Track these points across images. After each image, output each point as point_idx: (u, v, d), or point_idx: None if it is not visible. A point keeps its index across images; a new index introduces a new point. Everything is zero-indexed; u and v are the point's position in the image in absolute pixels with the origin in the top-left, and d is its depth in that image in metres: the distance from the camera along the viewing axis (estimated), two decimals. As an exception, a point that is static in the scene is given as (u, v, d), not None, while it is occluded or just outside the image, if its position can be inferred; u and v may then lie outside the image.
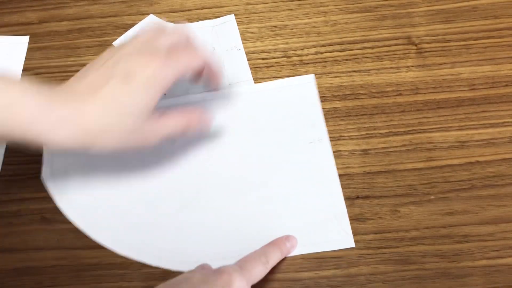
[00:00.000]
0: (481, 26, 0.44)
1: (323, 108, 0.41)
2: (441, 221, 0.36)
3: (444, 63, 0.42)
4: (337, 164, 0.39)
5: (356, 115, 0.41)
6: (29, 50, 0.47)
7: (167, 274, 0.35)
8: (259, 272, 0.32)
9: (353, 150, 0.39)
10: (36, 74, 0.45)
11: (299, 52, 0.44)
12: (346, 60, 0.43)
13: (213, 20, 0.47)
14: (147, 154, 0.39)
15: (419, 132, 0.39)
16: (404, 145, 0.39)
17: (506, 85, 0.41)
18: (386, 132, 0.40)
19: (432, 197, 0.37)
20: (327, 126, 0.40)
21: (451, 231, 0.35)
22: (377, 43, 0.44)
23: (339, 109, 0.41)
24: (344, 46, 0.44)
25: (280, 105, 0.41)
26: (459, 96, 0.41)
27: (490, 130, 0.39)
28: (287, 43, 0.45)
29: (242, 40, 0.45)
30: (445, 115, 0.40)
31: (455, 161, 0.38)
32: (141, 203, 0.38)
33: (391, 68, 0.42)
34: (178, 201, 0.38)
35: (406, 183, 0.37)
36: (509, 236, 0.35)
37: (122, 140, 0.32)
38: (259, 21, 0.46)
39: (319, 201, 0.37)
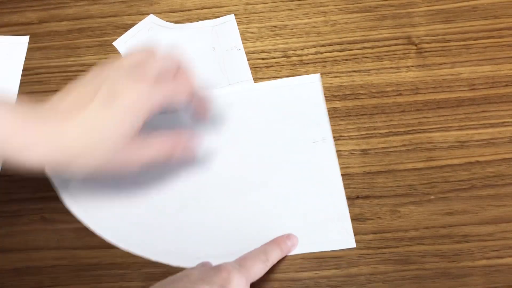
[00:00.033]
0: (481, 26, 0.44)
1: (323, 108, 0.41)
2: (441, 221, 0.36)
3: (444, 63, 0.42)
4: (337, 164, 0.39)
5: (356, 115, 0.41)
6: (29, 50, 0.47)
7: (167, 274, 0.35)
8: (258, 270, 0.32)
9: (353, 150, 0.39)
10: (36, 74, 0.45)
11: (299, 52, 0.44)
12: (346, 60, 0.43)
13: (213, 20, 0.47)
14: None
15: (419, 132, 0.39)
16: (404, 145, 0.39)
17: (506, 85, 0.41)
18: (386, 132, 0.40)
19: (432, 197, 0.37)
20: (327, 126, 0.40)
21: (451, 231, 0.35)
22: (377, 43, 0.44)
23: (339, 109, 0.41)
24: (344, 46, 0.44)
25: (285, 104, 0.41)
26: (459, 96, 0.41)
27: (490, 130, 0.39)
28: (287, 43, 0.45)
29: (242, 40, 0.45)
30: (445, 115, 0.40)
31: (455, 161, 0.38)
32: (143, 202, 0.38)
33: (391, 68, 0.42)
34: (179, 200, 0.38)
35: (406, 183, 0.37)
36: (509, 236, 0.35)
37: (101, 163, 0.31)
38: (259, 21, 0.46)
39: (321, 200, 0.37)
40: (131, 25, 0.47)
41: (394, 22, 0.45)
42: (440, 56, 0.43)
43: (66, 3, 0.49)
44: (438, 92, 0.41)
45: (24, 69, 0.46)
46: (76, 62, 0.46)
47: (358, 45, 0.44)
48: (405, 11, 0.45)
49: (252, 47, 0.45)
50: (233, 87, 0.43)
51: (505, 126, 0.39)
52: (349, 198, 0.37)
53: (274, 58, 0.44)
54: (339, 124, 0.40)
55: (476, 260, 0.34)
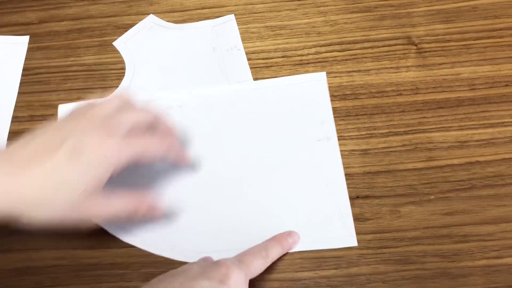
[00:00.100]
0: (481, 26, 0.44)
1: (323, 108, 0.41)
2: (441, 221, 0.36)
3: (444, 63, 0.42)
4: (337, 164, 0.39)
5: (356, 115, 0.41)
6: (29, 50, 0.47)
7: (167, 274, 0.35)
8: (258, 266, 0.32)
9: (353, 150, 0.39)
10: (36, 74, 0.45)
11: (299, 52, 0.44)
12: (346, 60, 0.43)
13: (213, 20, 0.47)
14: None
15: (419, 132, 0.39)
16: (404, 145, 0.39)
17: (506, 85, 0.41)
18: (386, 132, 0.40)
19: (432, 197, 0.37)
20: (327, 126, 0.40)
21: (451, 231, 0.35)
22: (377, 43, 0.44)
23: (339, 109, 0.41)
24: (344, 46, 0.44)
25: (290, 102, 0.41)
26: (459, 96, 0.41)
27: (490, 130, 0.39)
28: (287, 43, 0.45)
29: (242, 40, 0.45)
30: (445, 115, 0.40)
31: (455, 161, 0.38)
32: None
33: (391, 68, 0.42)
34: (182, 196, 0.38)
35: (406, 183, 0.37)
36: (509, 236, 0.35)
37: (56, 216, 0.30)
38: (259, 21, 0.46)
39: (324, 199, 0.37)
40: (131, 25, 0.47)
41: (394, 22, 0.45)
42: (440, 56, 0.43)
43: (66, 3, 0.49)
44: (438, 92, 0.41)
45: (24, 69, 0.46)
46: (76, 62, 0.46)
47: (358, 45, 0.44)
48: (405, 11, 0.45)
49: (252, 47, 0.45)
50: (238, 85, 0.43)
51: (505, 126, 0.39)
52: (349, 198, 0.37)
53: (274, 58, 0.44)
54: (339, 124, 0.40)
55: (476, 260, 0.34)
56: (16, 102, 0.44)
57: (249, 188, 0.38)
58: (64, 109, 0.43)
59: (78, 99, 0.43)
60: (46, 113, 0.43)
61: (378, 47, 0.44)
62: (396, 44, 0.44)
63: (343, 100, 0.41)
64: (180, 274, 0.30)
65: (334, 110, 0.41)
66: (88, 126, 0.31)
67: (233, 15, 0.47)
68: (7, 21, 0.49)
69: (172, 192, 0.38)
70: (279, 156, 0.39)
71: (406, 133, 0.39)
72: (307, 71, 0.43)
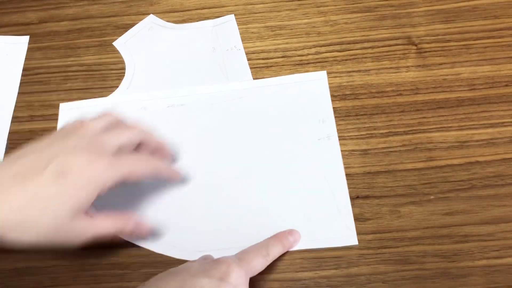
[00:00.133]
0: (481, 26, 0.44)
1: (323, 108, 0.41)
2: (441, 221, 0.36)
3: (444, 63, 0.42)
4: (337, 164, 0.39)
5: (356, 115, 0.41)
6: (29, 50, 0.47)
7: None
8: (258, 264, 0.32)
9: (353, 150, 0.39)
10: (36, 74, 0.45)
11: (299, 52, 0.44)
12: (346, 60, 0.43)
13: (213, 20, 0.47)
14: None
15: (419, 132, 0.39)
16: (404, 145, 0.39)
17: (506, 85, 0.41)
18: (386, 132, 0.40)
19: (432, 197, 0.37)
20: (327, 126, 0.40)
21: (451, 231, 0.35)
22: (377, 43, 0.44)
23: (339, 109, 0.41)
24: (344, 46, 0.44)
25: (290, 100, 0.41)
26: (459, 96, 0.41)
27: (490, 130, 0.39)
28: (287, 43, 0.45)
29: (242, 40, 0.45)
30: (445, 115, 0.40)
31: (455, 161, 0.38)
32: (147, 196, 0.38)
33: (391, 68, 0.42)
34: (183, 194, 0.38)
35: (406, 183, 0.37)
36: (509, 236, 0.35)
37: (41, 237, 0.30)
38: (259, 21, 0.46)
39: (324, 197, 0.37)
40: (131, 25, 0.47)
41: (394, 22, 0.45)
42: (440, 56, 0.43)
43: (66, 3, 0.49)
44: (438, 92, 0.41)
45: (24, 69, 0.46)
46: (76, 62, 0.46)
47: (358, 45, 0.44)
48: (405, 11, 0.45)
49: (252, 47, 0.45)
50: (239, 83, 0.43)
51: (505, 126, 0.39)
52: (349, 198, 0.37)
53: (274, 58, 0.44)
54: (339, 124, 0.40)
55: (476, 260, 0.34)
56: (16, 102, 0.44)
57: (250, 187, 0.38)
58: (65, 107, 0.43)
59: (78, 99, 0.44)
60: (46, 113, 0.43)
61: (378, 47, 0.44)
62: (396, 44, 0.44)
63: (343, 100, 0.41)
64: (180, 272, 0.30)
65: (334, 110, 0.41)
66: (75, 146, 0.31)
67: (233, 15, 0.47)
68: (7, 21, 0.49)
69: (173, 191, 0.38)
70: (280, 155, 0.39)
71: (406, 133, 0.39)
72: (307, 71, 0.43)
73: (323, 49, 0.44)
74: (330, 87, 0.42)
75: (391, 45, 0.44)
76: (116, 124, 0.35)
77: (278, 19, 0.46)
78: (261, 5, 0.47)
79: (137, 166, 0.33)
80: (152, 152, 0.36)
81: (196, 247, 0.36)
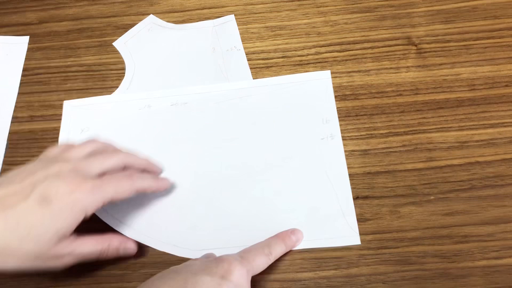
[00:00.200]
0: (481, 26, 0.44)
1: (323, 109, 0.41)
2: (441, 221, 0.36)
3: (444, 63, 0.42)
4: (337, 164, 0.39)
5: (356, 115, 0.41)
6: (29, 50, 0.47)
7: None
8: (260, 262, 0.32)
9: (353, 151, 0.39)
10: (36, 74, 0.45)
11: (299, 53, 0.44)
12: (346, 60, 0.43)
13: (213, 20, 0.47)
14: (159, 148, 0.40)
15: (419, 133, 0.39)
16: (404, 146, 0.39)
17: (506, 85, 0.41)
18: (386, 133, 0.40)
19: (432, 197, 0.37)
20: (327, 126, 0.40)
21: (451, 232, 0.35)
22: (377, 43, 0.44)
23: (339, 109, 0.41)
24: (344, 47, 0.44)
25: (294, 99, 0.42)
26: (459, 97, 0.41)
27: (490, 130, 0.39)
28: (287, 43, 0.45)
29: (242, 40, 0.45)
30: (445, 115, 0.40)
31: (455, 162, 0.38)
32: (151, 194, 0.38)
33: (391, 68, 0.42)
34: (186, 192, 0.38)
35: (406, 183, 0.37)
36: (509, 236, 0.35)
37: (24, 263, 0.30)
38: (259, 21, 0.46)
39: (327, 197, 0.37)
40: (131, 25, 0.47)
41: (394, 22, 0.45)
42: (440, 56, 0.43)
43: (66, 3, 0.49)
44: (438, 92, 0.41)
45: (24, 69, 0.46)
46: (76, 62, 0.46)
47: (358, 46, 0.44)
48: (405, 12, 0.45)
49: (252, 47, 0.45)
50: (243, 82, 0.43)
51: (505, 126, 0.39)
52: (349, 199, 0.37)
53: (274, 58, 0.44)
54: (340, 124, 0.40)
55: (476, 260, 0.34)
56: (16, 102, 0.44)
57: (252, 186, 0.38)
58: (69, 105, 0.43)
59: (78, 99, 0.44)
60: (46, 113, 0.43)
61: (378, 47, 0.44)
62: (396, 45, 0.44)
63: (343, 101, 0.41)
64: (182, 270, 0.30)
65: (334, 110, 0.41)
66: (59, 172, 0.31)
67: (233, 15, 0.47)
68: (7, 21, 0.49)
69: (175, 189, 0.38)
70: (283, 154, 0.39)
71: (406, 133, 0.39)
72: (307, 72, 0.43)
73: (323, 49, 0.44)
74: (330, 88, 0.42)
75: (391, 46, 0.44)
76: (101, 150, 0.35)
77: (278, 20, 0.46)
78: (261, 5, 0.47)
79: (120, 188, 0.33)
80: (134, 173, 0.36)
81: (198, 246, 0.36)
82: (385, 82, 0.42)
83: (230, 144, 0.40)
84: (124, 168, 0.35)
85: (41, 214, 0.30)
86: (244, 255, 0.32)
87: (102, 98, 0.43)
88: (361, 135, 0.40)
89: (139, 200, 0.38)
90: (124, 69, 0.45)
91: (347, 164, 0.38)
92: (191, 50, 0.45)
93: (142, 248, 0.36)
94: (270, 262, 0.33)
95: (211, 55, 0.45)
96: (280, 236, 0.35)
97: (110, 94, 0.44)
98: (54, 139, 0.42)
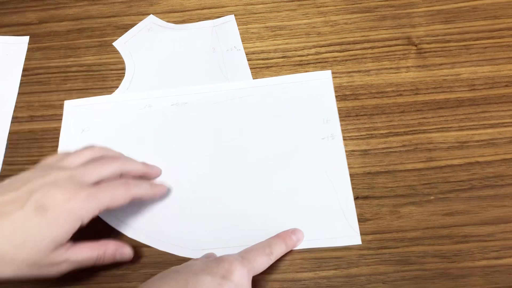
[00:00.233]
0: (481, 26, 0.44)
1: (323, 109, 0.41)
2: (441, 221, 0.36)
3: (444, 64, 0.42)
4: (337, 164, 0.39)
5: (356, 116, 0.41)
6: (29, 50, 0.47)
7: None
8: (261, 262, 0.32)
9: (353, 151, 0.39)
10: (36, 74, 0.45)
11: (299, 53, 0.44)
12: (346, 60, 0.43)
13: (213, 20, 0.47)
14: (159, 148, 0.40)
15: (419, 133, 0.39)
16: (404, 146, 0.39)
17: (506, 85, 0.41)
18: (386, 133, 0.40)
19: (432, 197, 0.37)
20: (327, 126, 0.40)
21: (451, 232, 0.35)
22: (377, 44, 0.44)
23: (339, 109, 0.41)
24: (344, 47, 0.44)
25: (295, 99, 0.42)
26: (459, 97, 0.41)
27: (490, 130, 0.39)
28: (287, 43, 0.45)
29: (242, 40, 0.45)
30: (445, 116, 0.40)
31: (455, 162, 0.38)
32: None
33: (391, 68, 0.42)
34: (186, 192, 0.38)
35: (406, 183, 0.37)
36: (509, 236, 0.35)
37: (21, 270, 0.30)
38: (259, 21, 0.46)
39: (328, 197, 0.37)
40: (131, 26, 0.47)
41: (394, 22, 0.45)
42: (440, 56, 0.43)
43: (66, 3, 0.49)
44: (438, 92, 0.41)
45: (24, 69, 0.46)
46: (76, 62, 0.46)
47: (358, 46, 0.44)
48: (405, 12, 0.45)
49: (252, 47, 0.45)
50: (244, 82, 0.43)
51: (505, 126, 0.39)
52: (349, 199, 0.37)
53: (274, 58, 0.44)
54: (339, 125, 0.40)
55: (476, 260, 0.34)
56: (16, 102, 0.44)
57: (253, 186, 0.38)
58: (70, 105, 0.43)
59: (79, 98, 0.44)
60: (46, 113, 0.43)
61: (378, 47, 0.44)
62: (396, 45, 0.44)
63: (343, 101, 0.41)
64: (183, 270, 0.30)
65: (334, 110, 0.41)
66: (56, 180, 0.32)
67: (233, 15, 0.47)
68: (7, 21, 0.49)
69: (176, 188, 0.38)
70: (283, 154, 0.39)
71: (406, 133, 0.39)
72: (307, 72, 0.43)
73: (323, 49, 0.44)
74: (330, 88, 0.42)
75: (391, 46, 0.44)
76: (98, 157, 0.35)
77: (278, 20, 0.46)
78: (261, 6, 0.47)
79: (116, 196, 0.33)
80: (137, 178, 0.36)
81: (198, 246, 0.36)
82: (385, 82, 0.42)
83: (230, 144, 0.40)
84: (121, 175, 0.35)
85: (37, 222, 0.30)
86: (245, 255, 0.32)
87: (103, 98, 0.43)
88: (361, 135, 0.40)
89: (139, 203, 0.38)
90: (124, 69, 0.45)
91: (348, 164, 0.38)
92: (191, 50, 0.45)
93: (142, 248, 0.36)
94: (271, 262, 0.33)
95: (211, 55, 0.45)
96: (281, 236, 0.35)
97: (110, 94, 0.44)
98: (54, 139, 0.42)
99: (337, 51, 0.44)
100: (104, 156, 0.36)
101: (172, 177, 0.39)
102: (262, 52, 0.45)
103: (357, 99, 0.41)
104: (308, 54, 0.44)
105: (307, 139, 0.40)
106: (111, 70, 0.45)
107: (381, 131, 0.40)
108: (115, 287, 0.35)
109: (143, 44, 0.46)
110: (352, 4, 0.46)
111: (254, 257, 0.32)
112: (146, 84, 0.44)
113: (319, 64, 0.43)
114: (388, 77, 0.42)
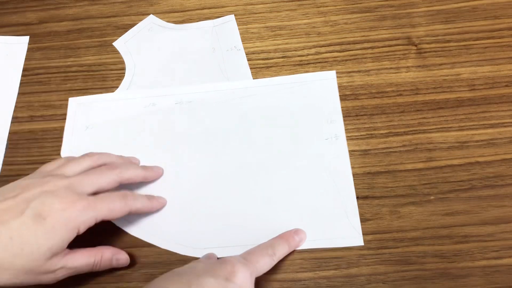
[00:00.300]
0: (481, 26, 0.44)
1: (323, 109, 0.41)
2: (441, 221, 0.36)
3: (444, 64, 0.42)
4: (337, 164, 0.39)
5: (356, 116, 0.41)
6: (29, 50, 0.47)
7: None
8: (264, 264, 0.32)
9: (353, 151, 0.39)
10: (36, 74, 0.45)
11: (299, 53, 0.44)
12: (346, 60, 0.43)
13: (213, 20, 0.47)
14: (162, 146, 0.40)
15: (419, 133, 0.39)
16: (404, 146, 0.39)
17: (506, 85, 0.41)
18: (386, 133, 0.40)
19: (432, 197, 0.37)
20: (327, 126, 0.40)
21: (451, 232, 0.35)
22: (377, 44, 0.44)
23: (339, 109, 0.41)
24: (344, 47, 0.44)
25: (299, 99, 0.42)
26: (459, 97, 0.41)
27: (490, 130, 0.39)
28: (287, 43, 0.45)
29: (242, 40, 0.45)
30: (445, 116, 0.40)
31: (455, 162, 0.38)
32: (154, 192, 0.38)
33: (391, 68, 0.42)
34: (189, 192, 0.38)
35: (406, 183, 0.37)
36: (509, 236, 0.35)
37: (18, 277, 0.30)
38: (259, 21, 0.46)
39: (331, 197, 0.37)
40: (131, 26, 0.47)
41: (394, 22, 0.45)
42: (440, 56, 0.43)
43: (66, 3, 0.49)
44: (438, 92, 0.41)
45: (24, 69, 0.46)
46: (76, 63, 0.46)
47: (358, 46, 0.44)
48: (405, 12, 0.45)
49: (252, 47, 0.45)
50: (248, 81, 0.43)
51: (505, 126, 0.39)
52: (349, 199, 0.37)
53: (274, 58, 0.44)
54: (344, 125, 0.40)
55: (476, 260, 0.34)
56: (16, 102, 0.44)
57: (255, 186, 0.38)
58: (74, 102, 0.43)
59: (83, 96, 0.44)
60: (46, 114, 0.43)
61: (378, 47, 0.44)
62: (396, 45, 0.44)
63: (343, 101, 0.41)
64: (185, 272, 0.30)
65: (334, 110, 0.41)
66: (54, 188, 0.32)
67: (233, 15, 0.47)
68: (7, 21, 0.49)
69: (178, 187, 0.38)
70: (286, 153, 0.39)
71: (406, 133, 0.39)
72: (307, 72, 0.43)
73: (323, 49, 0.44)
74: (330, 88, 0.42)
75: (391, 46, 0.44)
76: (98, 165, 0.35)
77: (278, 20, 0.46)
78: (261, 6, 0.47)
79: (113, 208, 0.33)
80: (127, 193, 0.36)
81: (200, 245, 0.36)
82: (385, 82, 0.42)
83: (233, 143, 0.40)
84: (120, 184, 0.35)
85: (35, 231, 0.30)
86: (247, 256, 0.32)
87: (107, 95, 0.43)
88: (361, 135, 0.40)
89: None
90: (124, 69, 0.45)
91: (347, 164, 0.38)
92: (191, 50, 0.45)
93: (142, 248, 0.36)
94: (274, 263, 0.33)
95: (211, 55, 0.45)
96: (283, 237, 0.35)
97: (111, 93, 0.44)
98: (54, 139, 0.42)
99: (337, 51, 0.44)
100: (103, 164, 0.36)
101: (174, 175, 0.39)
102: (262, 52, 0.45)
103: (357, 99, 0.41)
104: (308, 54, 0.44)
105: (311, 139, 0.40)
106: (111, 70, 0.45)
107: (381, 131, 0.40)
108: (115, 287, 0.35)
109: (143, 44, 0.46)
110: (352, 4, 0.46)
111: (256, 259, 0.32)
112: (146, 84, 0.44)
113: (319, 64, 0.43)
114: (388, 77, 0.42)
